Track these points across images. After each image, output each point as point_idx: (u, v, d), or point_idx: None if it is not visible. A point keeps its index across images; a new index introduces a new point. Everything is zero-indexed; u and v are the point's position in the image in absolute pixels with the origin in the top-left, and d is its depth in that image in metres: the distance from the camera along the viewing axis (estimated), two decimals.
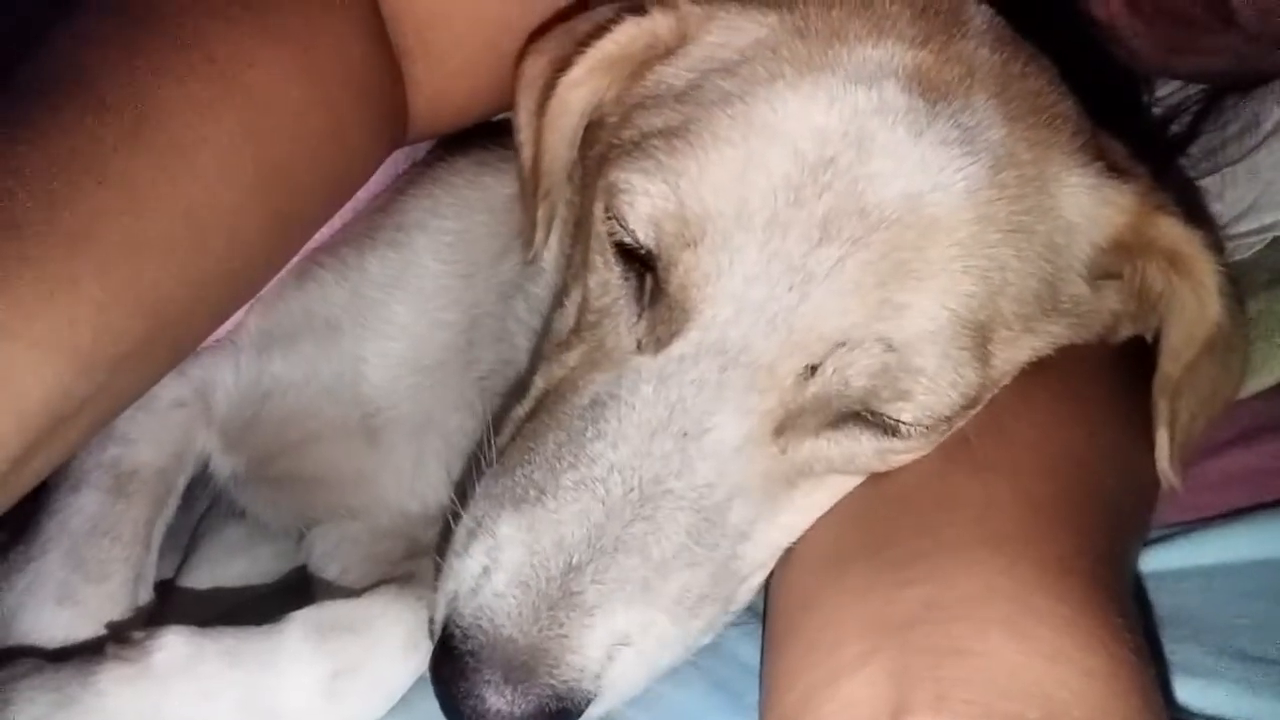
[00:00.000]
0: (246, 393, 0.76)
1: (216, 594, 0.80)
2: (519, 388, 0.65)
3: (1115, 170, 0.58)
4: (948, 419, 0.53)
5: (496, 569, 0.51)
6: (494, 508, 0.53)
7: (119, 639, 0.57)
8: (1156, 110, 0.85)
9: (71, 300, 0.50)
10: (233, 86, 0.59)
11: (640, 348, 0.55)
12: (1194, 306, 0.57)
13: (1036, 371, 0.57)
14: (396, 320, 0.75)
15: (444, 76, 0.73)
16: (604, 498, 0.50)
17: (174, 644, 0.56)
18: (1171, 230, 0.57)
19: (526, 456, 0.54)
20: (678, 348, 0.52)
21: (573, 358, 0.58)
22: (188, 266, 0.57)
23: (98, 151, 0.53)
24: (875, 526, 0.53)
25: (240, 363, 0.76)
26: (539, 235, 0.67)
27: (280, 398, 0.76)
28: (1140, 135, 0.63)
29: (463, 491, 0.58)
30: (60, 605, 0.62)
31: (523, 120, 0.66)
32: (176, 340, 0.60)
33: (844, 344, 0.51)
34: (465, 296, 0.75)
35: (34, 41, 0.58)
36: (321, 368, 0.75)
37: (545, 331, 0.66)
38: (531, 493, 0.52)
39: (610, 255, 0.57)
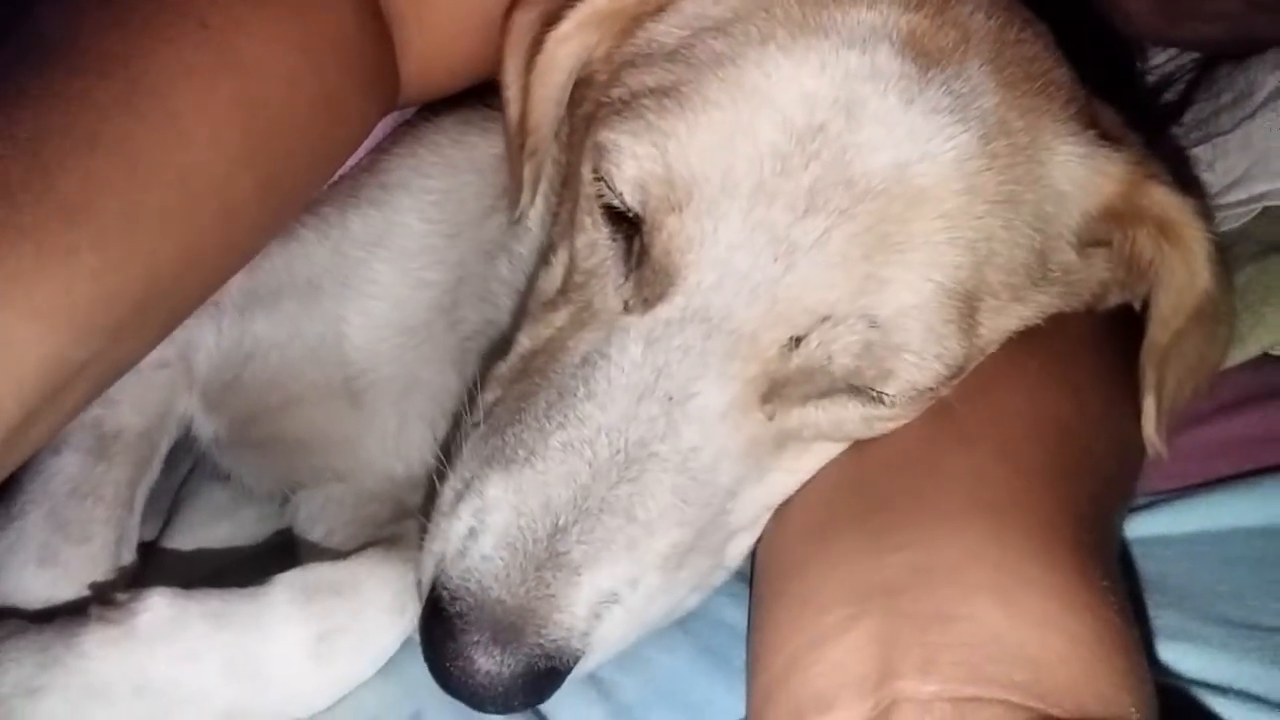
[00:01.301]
0: (228, 354, 0.75)
1: (200, 556, 0.79)
2: (502, 345, 0.64)
3: (1107, 138, 0.57)
4: (932, 388, 0.53)
5: (484, 531, 0.51)
6: (482, 468, 0.53)
7: (103, 600, 0.57)
8: (1150, 78, 0.85)
9: (68, 269, 0.50)
10: (225, 53, 0.58)
11: (627, 308, 0.54)
12: (1184, 274, 0.57)
13: (1025, 339, 0.57)
14: (379, 279, 0.74)
15: (435, 41, 0.72)
16: (591, 460, 0.50)
17: (158, 605, 0.55)
18: (1163, 198, 0.57)
19: (516, 416, 0.54)
20: (664, 311, 0.52)
21: (560, 318, 0.58)
22: (181, 234, 0.56)
23: (91, 117, 0.52)
24: (863, 493, 0.53)
25: (222, 324, 0.75)
26: (525, 194, 0.67)
27: (263, 359, 0.75)
28: (1134, 103, 0.63)
29: (448, 450, 0.57)
30: (41, 566, 0.62)
31: (510, 76, 0.65)
32: (170, 308, 0.59)
33: (829, 318, 0.50)
34: (449, 256, 0.75)
35: (21, 10, 0.57)
36: (304, 328, 0.74)
37: (529, 289, 0.65)
38: (520, 453, 0.52)
39: (598, 216, 0.56)
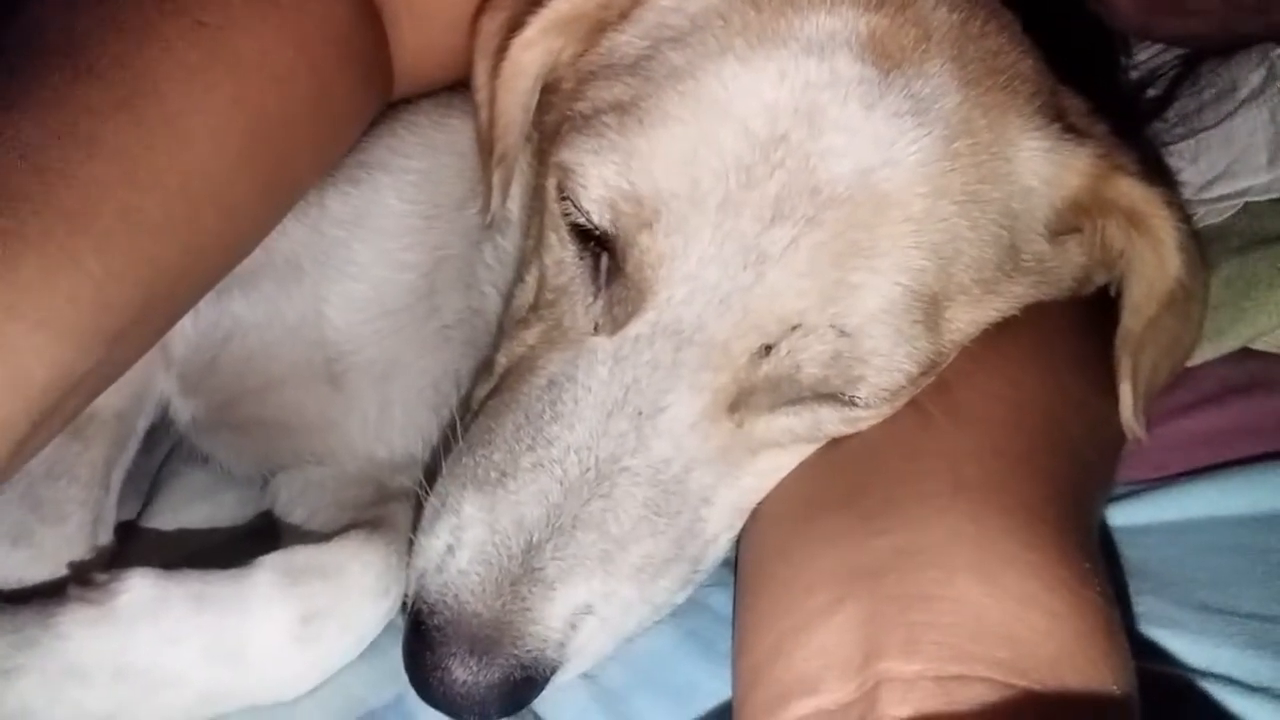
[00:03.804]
0: (206, 334, 0.74)
1: (179, 538, 0.78)
2: (484, 366, 0.64)
3: (1073, 130, 0.58)
4: (905, 386, 0.54)
5: (460, 547, 0.52)
6: (458, 488, 0.54)
7: (82, 580, 0.56)
8: (1135, 73, 0.86)
9: (72, 279, 0.49)
10: (222, 52, 0.57)
11: (597, 329, 0.55)
12: (1153, 263, 0.58)
13: (1006, 327, 0.57)
14: (357, 260, 0.74)
15: (428, 35, 0.71)
16: (562, 478, 0.51)
17: (139, 586, 0.55)
18: (1129, 189, 0.57)
19: (488, 437, 0.55)
20: (633, 328, 0.53)
21: (532, 335, 0.59)
22: (182, 238, 0.55)
23: (91, 123, 0.52)
24: (847, 477, 0.54)
25: (199, 304, 0.74)
26: (495, 198, 0.67)
27: (241, 339, 0.74)
28: (1117, 97, 0.63)
29: (431, 472, 0.58)
30: (15, 546, 0.61)
31: (480, 80, 0.65)
32: (170, 310, 0.59)
33: (799, 327, 0.51)
34: (428, 238, 0.74)
35: (17, 10, 0.56)
36: (283, 308, 0.73)
37: (507, 305, 0.65)
38: (493, 474, 0.53)
39: (565, 234, 0.57)
